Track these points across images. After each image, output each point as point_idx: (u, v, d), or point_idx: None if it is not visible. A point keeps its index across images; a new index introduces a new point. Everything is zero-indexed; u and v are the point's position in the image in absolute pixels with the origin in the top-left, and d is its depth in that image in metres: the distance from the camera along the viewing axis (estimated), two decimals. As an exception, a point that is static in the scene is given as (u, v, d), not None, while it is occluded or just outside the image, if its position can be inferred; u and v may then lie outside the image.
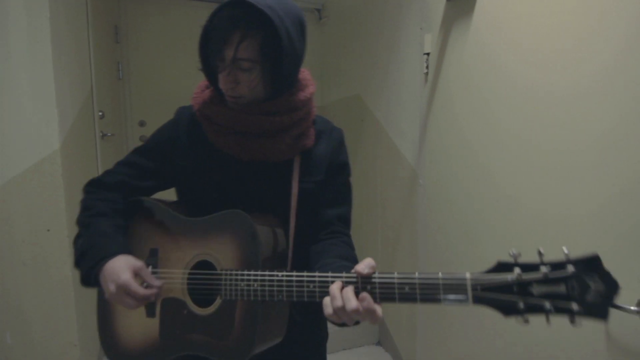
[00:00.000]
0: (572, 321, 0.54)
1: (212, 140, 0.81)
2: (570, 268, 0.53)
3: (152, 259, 0.82)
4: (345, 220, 0.88)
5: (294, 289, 0.68)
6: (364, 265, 0.63)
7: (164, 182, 0.88)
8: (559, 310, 0.54)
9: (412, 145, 1.85)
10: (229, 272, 0.73)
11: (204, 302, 0.78)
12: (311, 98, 0.84)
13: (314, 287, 0.66)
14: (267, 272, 0.70)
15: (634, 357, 0.94)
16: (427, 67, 1.70)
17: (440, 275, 0.59)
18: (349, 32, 2.54)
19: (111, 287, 0.72)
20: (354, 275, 0.63)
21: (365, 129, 2.34)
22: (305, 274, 0.68)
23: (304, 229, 0.84)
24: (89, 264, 0.76)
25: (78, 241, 0.81)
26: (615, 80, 0.96)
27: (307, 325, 0.89)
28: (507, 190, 1.29)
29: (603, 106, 0.99)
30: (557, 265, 0.54)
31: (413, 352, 1.91)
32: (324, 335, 0.96)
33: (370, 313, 0.60)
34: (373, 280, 0.62)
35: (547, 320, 0.55)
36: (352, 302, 0.60)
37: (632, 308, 0.89)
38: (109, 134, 2.26)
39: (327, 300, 0.63)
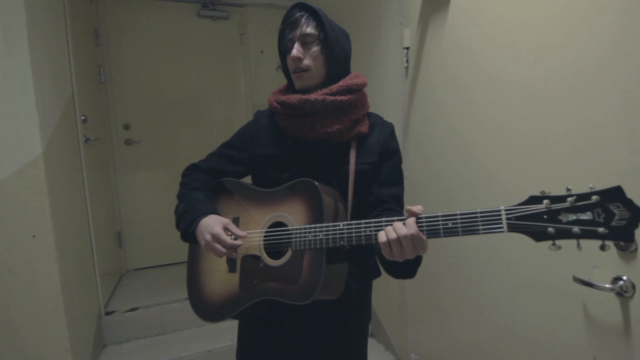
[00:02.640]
0: (602, 247, 0.59)
1: (282, 126, 0.99)
2: (595, 197, 0.59)
3: (235, 224, 0.98)
4: (398, 200, 1.02)
5: (353, 234, 0.81)
6: (415, 207, 0.75)
7: (246, 168, 1.07)
8: (587, 234, 0.58)
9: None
10: (298, 227, 0.88)
11: (277, 255, 0.93)
12: (364, 85, 1.01)
13: (370, 230, 0.79)
14: (330, 224, 0.84)
15: (610, 333, 0.98)
16: (407, 61, 1.73)
17: (478, 209, 0.67)
18: (330, 29, 2.56)
19: (207, 236, 0.90)
20: (404, 217, 0.77)
21: (350, 125, 2.36)
22: (362, 221, 0.81)
23: (360, 205, 0.99)
24: (188, 220, 0.95)
25: (179, 207, 1.00)
26: (591, 74, 1.00)
27: (357, 298, 1.04)
28: (492, 177, 1.33)
29: (580, 97, 1.03)
30: (583, 196, 0.60)
31: (405, 342, 1.95)
32: (368, 315, 1.12)
33: (418, 240, 0.73)
34: (420, 217, 0.74)
35: (578, 245, 0.61)
36: (402, 229, 0.73)
37: (607, 286, 0.94)
38: (93, 138, 2.24)
39: (381, 233, 0.76)
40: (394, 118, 1.86)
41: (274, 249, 0.93)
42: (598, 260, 0.99)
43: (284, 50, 0.99)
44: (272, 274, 0.92)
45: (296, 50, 0.93)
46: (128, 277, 2.81)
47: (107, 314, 2.18)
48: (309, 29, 0.94)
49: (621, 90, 0.92)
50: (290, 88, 1.02)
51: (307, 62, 0.94)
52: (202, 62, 2.97)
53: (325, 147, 0.97)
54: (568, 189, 0.62)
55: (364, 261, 1.03)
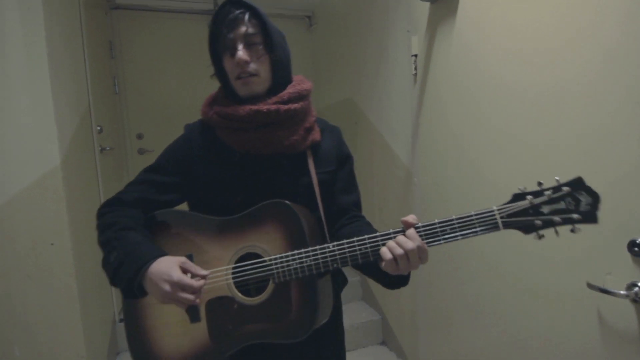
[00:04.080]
0: (573, 230, 0.67)
1: (228, 142, 0.86)
2: (566, 189, 0.68)
3: None
4: (359, 206, 0.97)
5: (347, 254, 0.74)
6: (409, 217, 0.72)
7: (183, 194, 0.91)
8: (566, 221, 0.67)
9: (405, 145, 1.89)
10: (278, 256, 0.77)
11: (251, 293, 0.80)
12: (311, 92, 0.92)
13: (366, 248, 0.74)
14: (317, 247, 0.75)
15: (626, 340, 0.97)
16: (415, 69, 1.74)
17: (473, 212, 0.71)
18: (338, 38, 2.59)
19: (165, 287, 0.72)
20: (400, 229, 0.73)
21: (360, 131, 2.38)
22: (355, 238, 0.74)
23: (329, 215, 0.91)
24: (129, 273, 0.75)
25: (110, 257, 0.78)
26: (597, 79, 1.00)
27: (337, 310, 0.96)
28: (499, 185, 1.33)
29: (585, 104, 1.02)
30: (556, 189, 0.68)
31: (416, 350, 1.93)
32: (342, 326, 1.03)
33: (422, 251, 0.71)
34: (418, 227, 0.72)
35: (557, 232, 0.68)
36: (408, 243, 0.70)
37: (622, 292, 0.92)
38: (108, 148, 2.29)
39: (384, 250, 0.72)
40: (403, 125, 1.88)
41: (247, 286, 0.80)
42: (612, 266, 0.98)
43: (220, 53, 0.86)
44: (252, 314, 0.79)
45: (242, 52, 0.82)
46: (141, 284, 2.84)
47: (121, 320, 2.21)
48: (253, 29, 0.83)
49: (628, 93, 0.92)
50: (228, 97, 0.89)
51: (254, 65, 0.83)
52: (212, 72, 3.01)
53: (280, 160, 0.87)
54: (540, 183, 0.69)
55: (334, 273, 0.94)
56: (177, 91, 2.96)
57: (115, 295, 2.21)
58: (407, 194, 1.91)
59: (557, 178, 0.68)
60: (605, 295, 0.95)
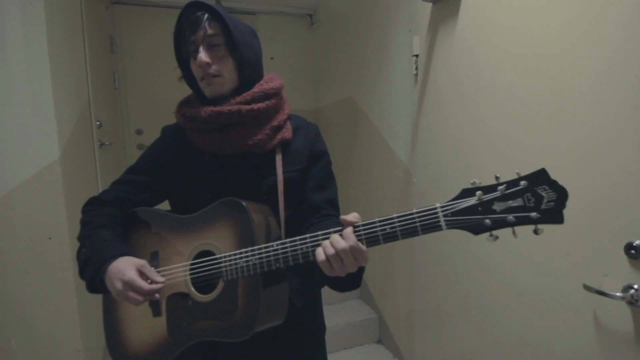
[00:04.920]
0: (535, 231, 0.59)
1: (196, 142, 0.88)
2: (524, 183, 0.59)
3: (154, 261, 0.86)
4: (333, 204, 0.94)
5: (289, 253, 0.73)
6: (349, 215, 0.70)
7: (159, 194, 0.95)
8: (522, 221, 0.59)
9: (405, 145, 1.89)
10: (227, 254, 0.78)
11: (208, 290, 0.81)
12: (281, 88, 0.92)
13: (307, 247, 0.71)
14: (262, 245, 0.75)
15: (621, 342, 0.97)
16: (416, 69, 1.74)
17: (414, 210, 0.65)
18: (340, 37, 2.59)
19: (118, 285, 0.76)
20: (340, 228, 0.70)
21: (359, 131, 2.38)
22: (297, 237, 0.73)
23: (294, 216, 0.90)
24: (93, 268, 0.80)
25: (81, 252, 0.84)
26: (597, 83, 1.00)
27: (306, 312, 0.93)
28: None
29: (586, 108, 1.03)
30: (512, 183, 0.60)
31: (412, 348, 1.94)
32: (322, 327, 1.00)
33: (358, 251, 0.67)
34: (357, 225, 0.68)
35: (514, 233, 0.60)
36: (340, 242, 0.67)
37: (618, 294, 0.93)
38: (107, 143, 2.29)
39: (319, 250, 0.69)
40: (403, 125, 1.88)
41: (203, 282, 0.82)
42: (608, 268, 0.98)
43: (185, 56, 0.88)
44: (203, 311, 0.80)
45: (202, 54, 0.83)
46: (138, 280, 2.84)
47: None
48: (213, 30, 0.83)
49: (628, 98, 0.92)
50: (198, 99, 0.91)
51: (215, 67, 0.84)
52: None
53: (248, 159, 0.87)
54: (497, 177, 0.62)
55: (306, 272, 0.92)
56: (177, 87, 2.93)
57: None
58: (405, 194, 1.91)
59: (517, 171, 0.60)
60: (602, 297, 0.96)
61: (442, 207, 0.63)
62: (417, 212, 0.64)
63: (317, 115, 3.11)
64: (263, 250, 0.75)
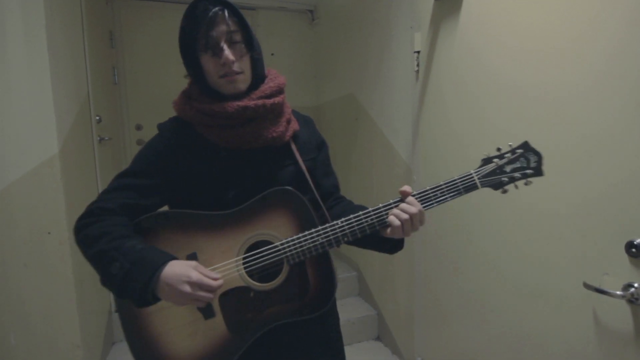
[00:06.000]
0: (526, 183, 0.83)
1: (212, 139, 0.85)
2: (519, 151, 0.84)
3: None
4: (338, 188, 1.04)
5: (356, 227, 0.82)
6: (404, 187, 0.81)
7: (166, 196, 0.88)
8: (524, 176, 0.83)
9: (405, 142, 1.88)
10: (290, 239, 0.82)
11: (263, 279, 0.83)
12: (285, 85, 0.94)
13: (371, 219, 0.82)
14: (327, 225, 0.82)
15: (621, 340, 0.97)
16: (417, 65, 1.73)
17: (456, 176, 0.83)
18: (341, 33, 2.58)
19: (185, 288, 0.72)
20: (397, 199, 0.82)
21: (360, 127, 2.37)
22: (360, 212, 0.82)
23: (313, 200, 0.94)
24: (142, 279, 0.72)
25: (111, 269, 0.73)
26: (600, 80, 1.00)
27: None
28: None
29: (588, 104, 1.02)
30: (512, 152, 0.84)
31: (411, 346, 1.94)
32: (336, 314, 1.06)
33: (422, 213, 0.81)
34: (414, 194, 0.82)
35: (516, 186, 0.83)
36: (411, 208, 0.80)
37: (618, 293, 0.93)
38: (107, 138, 2.28)
39: (392, 217, 0.80)
40: (404, 121, 1.87)
41: (259, 273, 0.83)
42: (609, 266, 0.98)
43: (197, 51, 0.83)
44: (270, 298, 0.82)
45: (228, 52, 0.81)
46: (138, 276, 2.84)
47: (117, 310, 2.21)
48: (234, 26, 0.82)
49: (631, 95, 0.92)
50: (205, 94, 0.87)
51: (238, 64, 0.83)
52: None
53: (267, 152, 0.88)
54: (499, 149, 0.85)
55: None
56: (177, 82, 2.92)
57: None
58: (406, 191, 1.90)
59: (510, 143, 0.85)
60: (602, 296, 0.96)
61: (475, 171, 0.84)
62: (459, 178, 0.83)
63: (318, 111, 3.10)
64: (329, 230, 0.81)
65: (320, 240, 0.81)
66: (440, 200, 0.83)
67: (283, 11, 3.09)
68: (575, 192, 1.07)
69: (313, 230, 0.81)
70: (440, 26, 1.57)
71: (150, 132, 2.93)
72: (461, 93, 1.47)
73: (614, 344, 0.99)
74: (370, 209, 0.82)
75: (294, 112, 0.99)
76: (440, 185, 0.83)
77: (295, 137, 0.93)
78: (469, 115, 1.44)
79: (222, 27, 0.81)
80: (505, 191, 0.84)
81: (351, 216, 0.81)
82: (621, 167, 0.95)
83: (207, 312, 0.82)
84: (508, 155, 0.84)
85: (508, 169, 0.83)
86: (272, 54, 3.10)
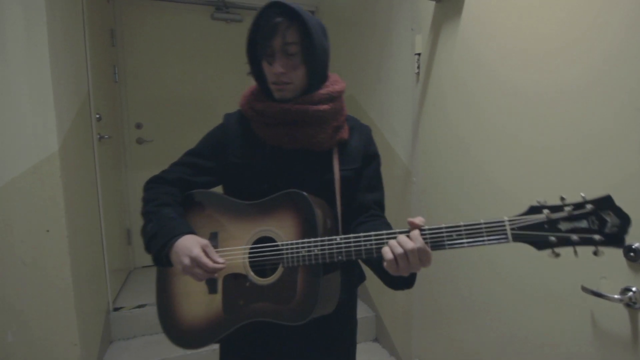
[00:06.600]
0: (595, 252, 0.63)
1: (260, 135, 0.93)
2: (589, 206, 0.63)
3: (213, 241, 0.90)
4: (381, 205, 0.99)
5: (352, 248, 0.77)
6: (416, 219, 0.73)
7: (217, 178, 0.98)
8: (584, 242, 0.63)
9: (405, 144, 1.89)
10: (289, 242, 0.82)
11: (263, 274, 0.86)
12: (343, 92, 0.96)
13: (371, 244, 0.75)
14: (326, 238, 0.79)
15: (618, 344, 0.97)
16: (418, 67, 1.73)
17: (482, 220, 0.68)
18: (341, 34, 2.58)
19: (185, 260, 0.81)
20: (406, 229, 0.73)
21: (360, 129, 2.37)
22: (361, 234, 0.76)
23: (347, 212, 0.95)
24: (160, 243, 0.85)
25: (147, 227, 0.89)
26: (599, 82, 1.00)
27: (346, 305, 0.99)
28: (499, 185, 1.33)
29: (588, 106, 1.03)
30: (578, 205, 0.64)
31: (409, 347, 1.94)
32: (355, 323, 1.07)
33: (424, 252, 0.71)
34: (423, 229, 0.72)
35: (575, 252, 0.64)
36: (409, 243, 0.70)
37: (616, 296, 0.93)
38: (106, 136, 2.28)
39: (386, 249, 0.73)
40: (404, 124, 1.87)
41: (260, 266, 0.86)
42: (607, 270, 0.98)
43: (258, 56, 0.89)
44: (261, 293, 0.85)
45: (278, 64, 0.86)
46: (136, 274, 2.84)
47: (115, 309, 2.21)
48: (291, 38, 0.84)
49: (631, 97, 0.92)
50: (263, 93, 0.94)
51: (290, 76, 0.87)
52: (214, 64, 3.00)
53: (307, 155, 0.92)
54: (562, 198, 0.65)
55: (350, 269, 0.98)
56: (178, 81, 2.94)
57: (109, 284, 2.20)
58: (405, 193, 1.91)
59: (582, 195, 0.64)
60: (600, 299, 0.96)
61: (509, 220, 0.67)
62: (485, 223, 0.68)
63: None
64: (326, 243, 0.78)
65: (315, 252, 0.79)
66: (454, 244, 0.69)
67: (284, 11, 3.08)
68: (573, 194, 1.07)
69: (312, 239, 0.80)
70: (441, 28, 1.57)
71: (150, 130, 2.93)
72: (462, 95, 1.48)
73: (612, 348, 0.99)
74: (372, 233, 0.75)
75: (352, 119, 1.00)
76: (459, 227, 0.69)
77: (341, 145, 0.94)
78: (469, 118, 1.44)
79: (279, 39, 0.84)
80: (557, 255, 0.66)
81: (351, 235, 0.77)
82: (620, 170, 0.95)
83: (212, 287, 0.90)
84: (569, 208, 0.64)
85: (564, 226, 0.64)
86: (273, 54, 3.10)
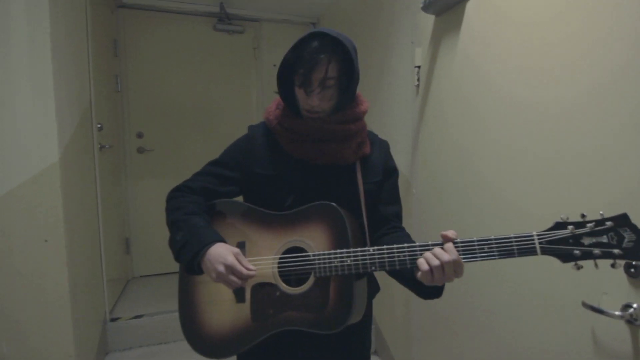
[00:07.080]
0: (613, 265, 0.69)
1: (287, 149, 0.95)
2: (609, 223, 0.69)
3: (241, 250, 0.91)
4: (400, 217, 1.04)
5: (386, 259, 0.80)
6: (449, 232, 0.76)
7: (239, 188, 1.01)
8: (606, 255, 0.69)
9: (405, 156, 1.89)
10: (321, 252, 0.84)
11: (292, 283, 0.87)
12: (366, 112, 0.99)
13: (404, 255, 0.79)
14: (359, 249, 0.81)
15: (620, 361, 0.96)
16: (418, 80, 1.74)
17: (512, 234, 0.73)
18: (343, 46, 2.60)
19: (220, 268, 0.82)
20: (439, 242, 0.77)
21: (360, 140, 2.38)
22: (395, 245, 0.79)
23: (369, 224, 0.98)
24: (192, 251, 0.85)
25: (176, 236, 0.89)
26: (600, 95, 1.00)
27: (366, 314, 1.00)
28: (500, 197, 1.33)
29: (589, 118, 1.03)
30: (599, 222, 0.70)
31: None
32: (370, 330, 1.12)
33: (458, 264, 0.75)
34: (456, 242, 0.76)
35: (596, 265, 0.71)
36: (444, 255, 0.74)
37: (617, 313, 0.92)
38: (107, 146, 2.28)
39: (421, 260, 0.76)
40: (404, 136, 1.88)
41: (289, 276, 0.88)
42: (608, 286, 0.98)
43: (291, 79, 0.92)
44: (292, 302, 0.86)
45: (315, 98, 0.88)
46: (134, 284, 2.82)
47: (112, 320, 2.19)
48: (333, 72, 0.87)
49: (633, 113, 0.92)
50: (291, 111, 0.97)
51: (323, 106, 0.90)
52: (216, 74, 3.03)
53: (332, 169, 0.95)
54: (583, 215, 0.71)
55: (369, 280, 1.01)
56: (179, 91, 2.96)
57: (107, 294, 2.19)
58: (405, 205, 1.90)
59: (601, 212, 0.70)
60: (600, 315, 0.95)
61: (538, 235, 0.72)
62: (515, 236, 0.73)
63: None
64: (359, 253, 0.81)
65: (348, 262, 0.81)
66: (486, 256, 0.74)
67: (287, 23, 3.13)
68: (574, 208, 1.06)
69: (344, 250, 0.82)
70: (440, 42, 1.58)
71: (151, 140, 2.94)
72: (461, 107, 1.48)
73: (613, 365, 0.97)
74: (405, 245, 0.79)
75: (371, 134, 1.04)
76: (490, 240, 0.74)
77: (363, 159, 0.98)
78: (469, 129, 1.45)
79: (320, 74, 0.86)
80: (579, 267, 0.72)
81: (384, 247, 0.80)
82: (620, 185, 0.95)
83: (239, 296, 0.91)
84: (591, 225, 0.70)
85: (587, 241, 0.70)
86: (275, 65, 3.13)
